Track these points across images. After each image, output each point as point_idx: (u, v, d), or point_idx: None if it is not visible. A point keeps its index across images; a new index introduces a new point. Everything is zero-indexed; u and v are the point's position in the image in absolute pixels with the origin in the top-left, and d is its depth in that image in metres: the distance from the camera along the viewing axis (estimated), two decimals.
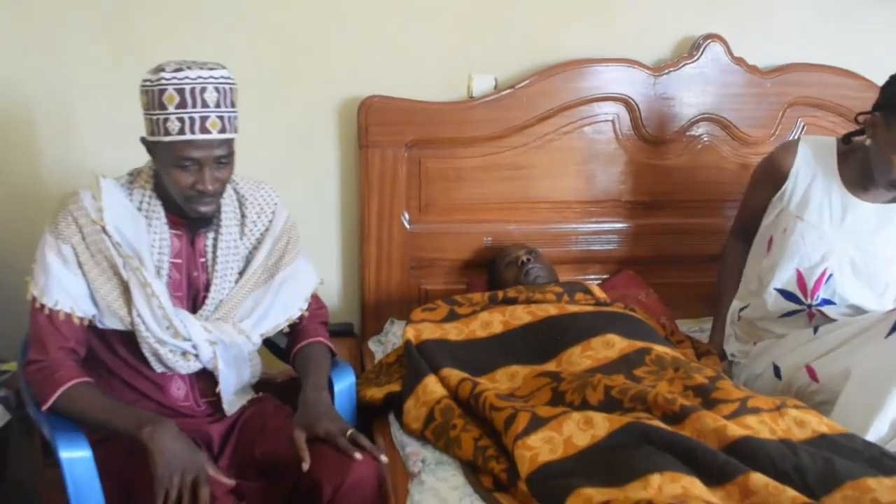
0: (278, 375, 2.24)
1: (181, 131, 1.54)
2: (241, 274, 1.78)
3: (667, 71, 2.53)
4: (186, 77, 1.54)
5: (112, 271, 1.65)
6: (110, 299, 1.65)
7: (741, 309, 2.19)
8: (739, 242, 2.26)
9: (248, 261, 1.80)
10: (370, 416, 2.01)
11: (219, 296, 1.75)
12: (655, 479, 1.38)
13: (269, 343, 2.04)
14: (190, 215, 1.67)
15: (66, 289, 1.63)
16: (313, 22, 2.43)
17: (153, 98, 1.56)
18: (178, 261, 1.72)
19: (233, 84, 1.62)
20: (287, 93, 2.42)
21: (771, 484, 1.39)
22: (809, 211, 2.00)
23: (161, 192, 1.69)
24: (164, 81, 1.54)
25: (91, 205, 1.65)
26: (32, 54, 2.29)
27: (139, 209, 1.68)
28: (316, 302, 1.95)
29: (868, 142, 1.91)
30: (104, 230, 1.63)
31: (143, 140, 1.65)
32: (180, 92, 1.54)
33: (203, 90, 1.55)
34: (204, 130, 1.56)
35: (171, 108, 1.54)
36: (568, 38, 2.53)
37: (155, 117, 1.56)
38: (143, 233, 1.67)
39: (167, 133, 1.55)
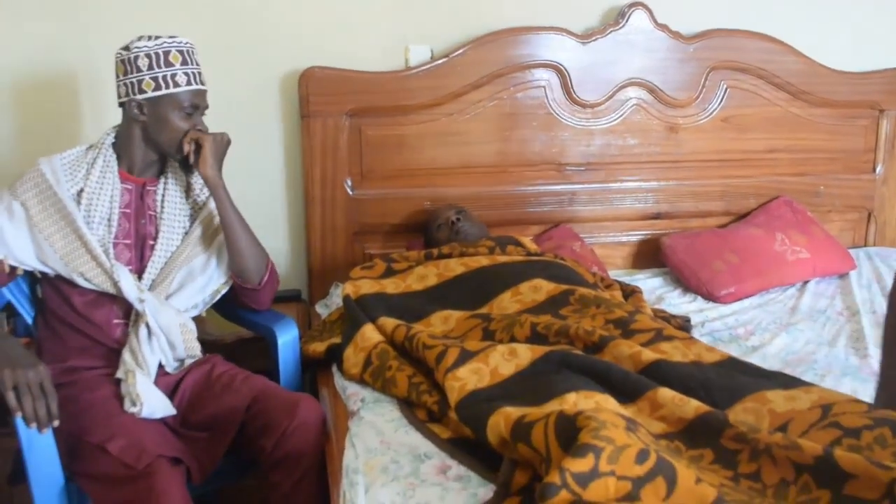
0: (227, 336, 2.31)
1: (188, 83, 1.82)
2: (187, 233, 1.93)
3: (594, 38, 2.64)
4: (180, 42, 1.82)
5: (64, 222, 1.78)
6: (62, 249, 1.78)
7: None
8: None
9: (192, 222, 1.96)
10: (314, 370, 2.10)
11: (169, 246, 1.88)
12: (571, 396, 1.49)
13: (218, 307, 2.11)
14: (177, 157, 1.90)
15: (3, 239, 1.79)
16: None
17: (157, 58, 1.79)
18: (128, 210, 1.88)
19: None
20: (229, 65, 2.46)
21: (677, 397, 1.50)
22: None
23: (118, 150, 1.88)
24: (166, 44, 1.80)
25: (47, 168, 1.82)
26: None
27: (93, 165, 1.84)
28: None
29: None
30: (53, 189, 1.79)
31: (131, 101, 1.82)
32: (181, 52, 1.82)
33: (191, 52, 1.85)
34: (201, 83, 1.86)
35: (177, 66, 1.80)
36: (500, 9, 2.62)
37: (162, 74, 1.79)
38: (95, 184, 1.82)
39: (177, 85, 1.80)
